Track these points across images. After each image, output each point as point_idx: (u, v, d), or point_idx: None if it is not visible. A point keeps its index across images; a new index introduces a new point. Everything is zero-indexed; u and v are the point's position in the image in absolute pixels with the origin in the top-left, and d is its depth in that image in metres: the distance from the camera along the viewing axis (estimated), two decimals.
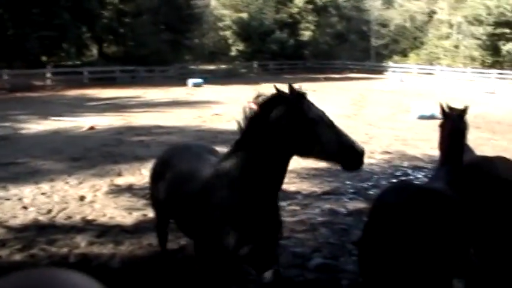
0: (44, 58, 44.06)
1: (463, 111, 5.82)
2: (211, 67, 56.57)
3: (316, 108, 4.29)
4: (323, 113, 4.26)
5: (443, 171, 5.62)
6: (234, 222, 4.43)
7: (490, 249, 5.97)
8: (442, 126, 5.84)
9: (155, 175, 5.88)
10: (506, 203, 5.54)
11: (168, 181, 5.39)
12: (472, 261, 6.91)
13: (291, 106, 4.23)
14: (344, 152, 4.09)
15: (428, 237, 4.43)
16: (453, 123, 5.71)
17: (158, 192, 5.65)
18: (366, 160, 9.60)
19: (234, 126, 16.73)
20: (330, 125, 4.17)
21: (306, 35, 63.63)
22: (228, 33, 65.90)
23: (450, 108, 6.02)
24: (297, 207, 9.84)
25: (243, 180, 4.44)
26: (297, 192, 10.97)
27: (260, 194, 4.45)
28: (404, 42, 74.59)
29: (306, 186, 11.48)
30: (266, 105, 4.44)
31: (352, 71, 61.19)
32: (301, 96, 4.26)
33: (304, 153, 4.34)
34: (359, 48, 73.80)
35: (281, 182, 4.61)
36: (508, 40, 57.18)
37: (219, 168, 4.69)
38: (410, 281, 4.53)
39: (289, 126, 4.20)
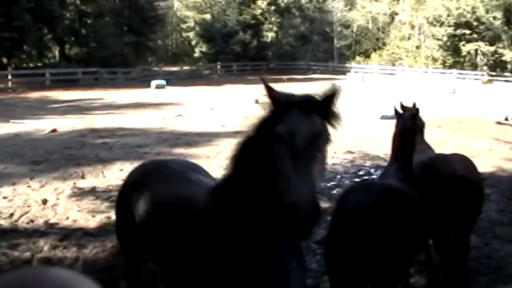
0: (4, 60, 43.39)
1: (415, 111, 6.20)
2: (175, 69, 56.41)
3: (311, 122, 2.92)
4: (313, 133, 2.87)
5: (394, 168, 5.78)
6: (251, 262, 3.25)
7: (447, 243, 6.14)
8: (396, 125, 6.17)
9: (126, 201, 4.60)
10: (462, 199, 5.70)
11: (150, 209, 4.19)
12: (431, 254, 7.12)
13: (267, 113, 3.10)
14: (286, 203, 2.67)
15: (397, 235, 4.53)
16: (403, 123, 5.94)
17: (131, 223, 4.46)
18: (330, 160, 9.61)
19: (196, 128, 16.77)
20: (299, 152, 2.78)
21: (269, 36, 63.75)
22: (191, 34, 65.84)
23: (404, 108, 6.53)
24: None
25: (258, 210, 3.18)
26: None
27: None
28: (366, 43, 75.55)
29: None
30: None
31: (315, 71, 61.45)
32: (287, 101, 3.01)
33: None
34: (322, 49, 74.38)
35: None
36: (468, 41, 58.16)
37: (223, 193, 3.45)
38: (378, 277, 4.62)
39: (257, 143, 3.14)
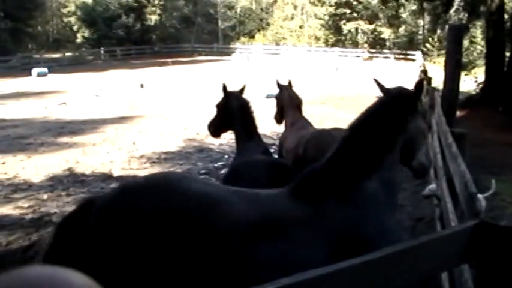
0: None
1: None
2: (57, 55, 54.81)
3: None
4: None
5: (256, 141, 6.23)
6: None
7: None
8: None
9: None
10: None
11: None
12: None
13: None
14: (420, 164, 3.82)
15: None
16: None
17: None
18: (217, 140, 9.81)
19: (81, 115, 16.31)
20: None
21: (153, 19, 63.03)
22: (72, 19, 63.98)
23: (280, 86, 7.67)
24: None
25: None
26: None
27: None
28: (250, 24, 76.10)
29: (157, 171, 11.46)
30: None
31: (200, 53, 61.54)
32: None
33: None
34: (206, 31, 74.34)
35: None
36: (349, 20, 59.92)
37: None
38: None
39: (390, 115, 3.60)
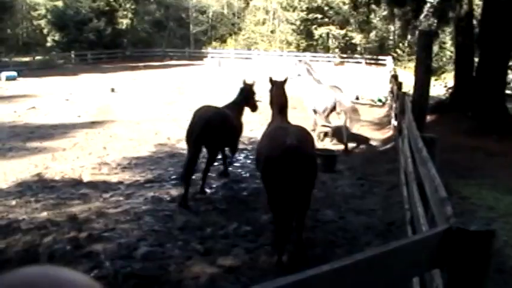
0: None
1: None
2: (26, 59, 54.02)
3: None
4: None
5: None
6: None
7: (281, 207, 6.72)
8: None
9: None
10: (292, 165, 6.35)
11: None
12: None
13: None
14: None
15: None
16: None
17: None
18: (186, 146, 9.77)
19: (51, 120, 16.15)
20: None
21: (124, 23, 62.58)
22: (42, 22, 63.28)
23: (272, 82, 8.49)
24: (120, 198, 9.75)
25: None
26: (120, 183, 10.88)
27: None
28: (222, 29, 76.20)
29: (128, 176, 11.41)
30: None
31: (172, 58, 61.33)
32: None
33: None
34: (178, 36, 74.21)
35: None
36: (320, 25, 60.13)
37: None
38: None
39: None
